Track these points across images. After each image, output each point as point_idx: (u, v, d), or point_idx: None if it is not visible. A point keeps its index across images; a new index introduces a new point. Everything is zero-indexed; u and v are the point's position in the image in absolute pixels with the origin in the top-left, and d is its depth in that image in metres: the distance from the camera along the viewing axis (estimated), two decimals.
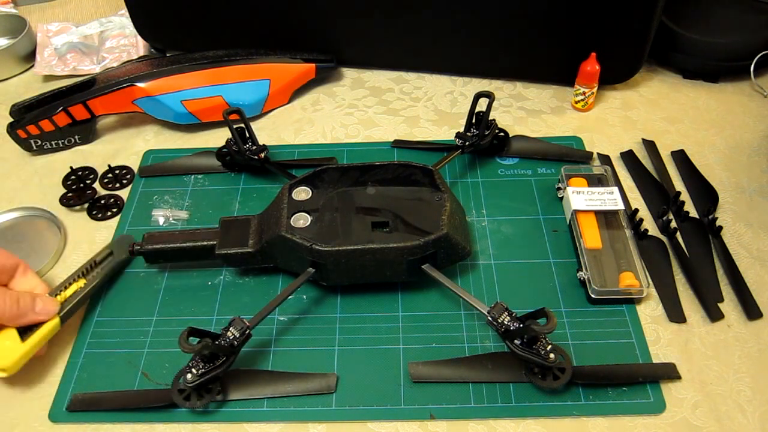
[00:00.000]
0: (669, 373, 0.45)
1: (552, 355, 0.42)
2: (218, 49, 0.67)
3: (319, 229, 0.47)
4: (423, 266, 0.47)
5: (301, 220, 0.48)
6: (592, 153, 0.61)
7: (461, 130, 0.59)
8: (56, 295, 0.48)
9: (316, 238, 0.46)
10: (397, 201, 0.49)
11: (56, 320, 0.47)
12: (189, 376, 0.42)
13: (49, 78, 0.75)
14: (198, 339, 0.41)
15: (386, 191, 0.50)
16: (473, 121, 0.58)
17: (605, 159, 0.61)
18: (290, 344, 0.48)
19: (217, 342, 0.42)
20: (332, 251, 0.45)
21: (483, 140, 0.57)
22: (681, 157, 0.61)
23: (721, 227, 0.53)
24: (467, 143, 0.57)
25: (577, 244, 0.52)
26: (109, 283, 0.52)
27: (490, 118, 0.58)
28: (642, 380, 0.44)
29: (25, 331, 0.45)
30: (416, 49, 0.69)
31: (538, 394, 0.44)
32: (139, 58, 0.71)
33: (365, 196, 0.50)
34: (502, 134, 0.60)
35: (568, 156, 0.61)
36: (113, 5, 0.85)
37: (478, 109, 0.57)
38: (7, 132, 0.63)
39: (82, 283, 0.50)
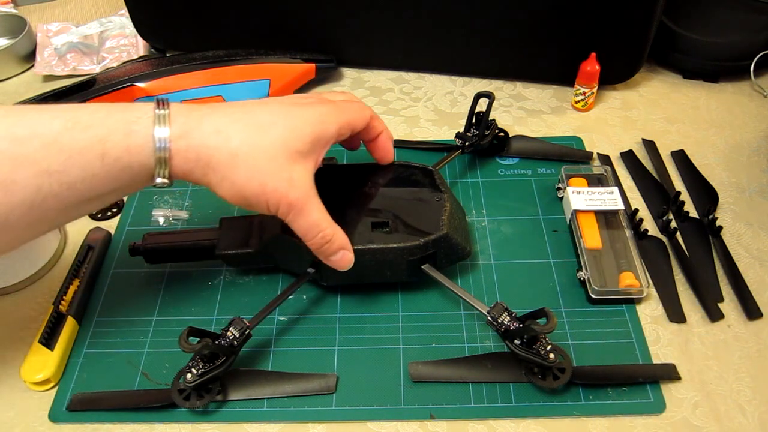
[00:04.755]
0: (669, 373, 0.44)
1: (552, 355, 0.42)
2: (218, 49, 0.67)
3: None
4: (423, 266, 0.47)
5: None
6: (592, 153, 0.61)
7: (461, 130, 0.59)
8: (60, 302, 0.49)
9: None
10: (397, 201, 0.49)
11: (74, 322, 0.48)
12: (189, 376, 0.42)
13: (49, 78, 0.75)
14: (198, 339, 0.42)
15: (386, 191, 0.50)
16: (473, 121, 0.58)
17: (605, 159, 0.61)
18: (290, 344, 0.48)
19: (217, 342, 0.42)
20: None
21: (483, 140, 0.57)
22: (681, 157, 0.61)
23: (721, 227, 0.53)
24: (467, 143, 0.57)
25: (577, 244, 0.52)
26: (109, 282, 0.52)
27: (490, 118, 0.58)
28: (642, 381, 0.44)
29: (48, 341, 0.46)
30: (416, 49, 0.69)
31: (538, 394, 0.44)
32: (139, 58, 0.71)
33: (365, 196, 0.50)
34: (502, 134, 0.60)
35: (568, 156, 0.61)
36: (113, 5, 0.85)
37: (478, 109, 0.57)
38: None
39: (77, 283, 0.51)
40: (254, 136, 0.39)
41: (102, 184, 0.37)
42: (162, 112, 0.37)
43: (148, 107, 0.38)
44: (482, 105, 0.56)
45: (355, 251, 0.45)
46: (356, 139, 0.48)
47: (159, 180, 0.38)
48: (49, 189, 0.35)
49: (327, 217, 0.42)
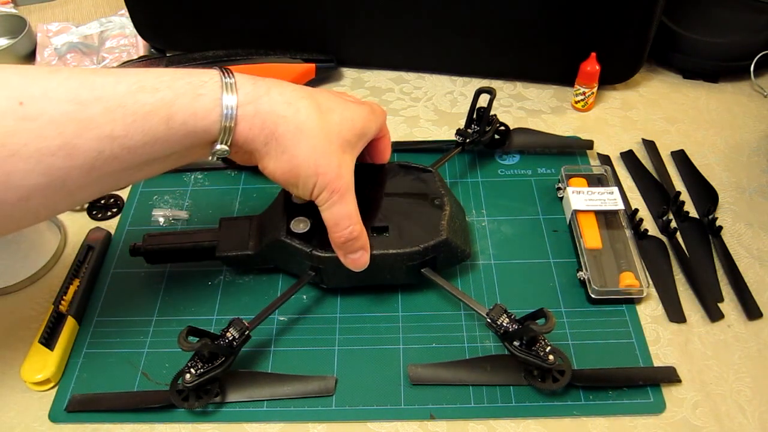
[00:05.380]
0: (669, 376, 0.44)
1: (551, 357, 0.42)
2: (218, 49, 0.67)
3: (319, 234, 0.47)
4: (422, 270, 0.47)
5: (301, 224, 0.48)
6: (592, 141, 0.61)
7: (461, 128, 0.58)
8: (60, 302, 0.49)
9: (316, 243, 0.46)
10: (396, 204, 0.49)
11: (74, 322, 0.48)
12: (188, 376, 0.42)
13: None
14: (197, 338, 0.41)
15: (385, 194, 0.50)
16: (474, 117, 0.58)
17: (605, 159, 0.61)
18: (290, 344, 0.48)
19: (216, 342, 0.42)
20: (332, 257, 0.45)
21: (484, 137, 0.57)
22: (681, 157, 0.61)
23: (721, 227, 0.53)
24: (468, 140, 0.57)
25: (577, 244, 0.52)
26: (109, 282, 0.52)
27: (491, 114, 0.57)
28: (642, 384, 0.44)
29: (48, 341, 0.47)
30: (416, 49, 0.69)
31: (538, 395, 0.44)
32: (139, 58, 0.71)
33: (364, 199, 0.49)
34: (503, 128, 0.60)
35: (570, 147, 0.60)
36: (113, 5, 0.85)
37: (478, 105, 0.57)
38: None
39: (77, 283, 0.51)
40: (318, 116, 0.39)
41: (163, 149, 0.36)
42: (229, 80, 0.37)
43: (213, 72, 0.37)
44: (482, 101, 0.56)
45: None
46: None
47: (219, 147, 0.37)
48: (110, 153, 0.34)
49: (358, 214, 0.42)
